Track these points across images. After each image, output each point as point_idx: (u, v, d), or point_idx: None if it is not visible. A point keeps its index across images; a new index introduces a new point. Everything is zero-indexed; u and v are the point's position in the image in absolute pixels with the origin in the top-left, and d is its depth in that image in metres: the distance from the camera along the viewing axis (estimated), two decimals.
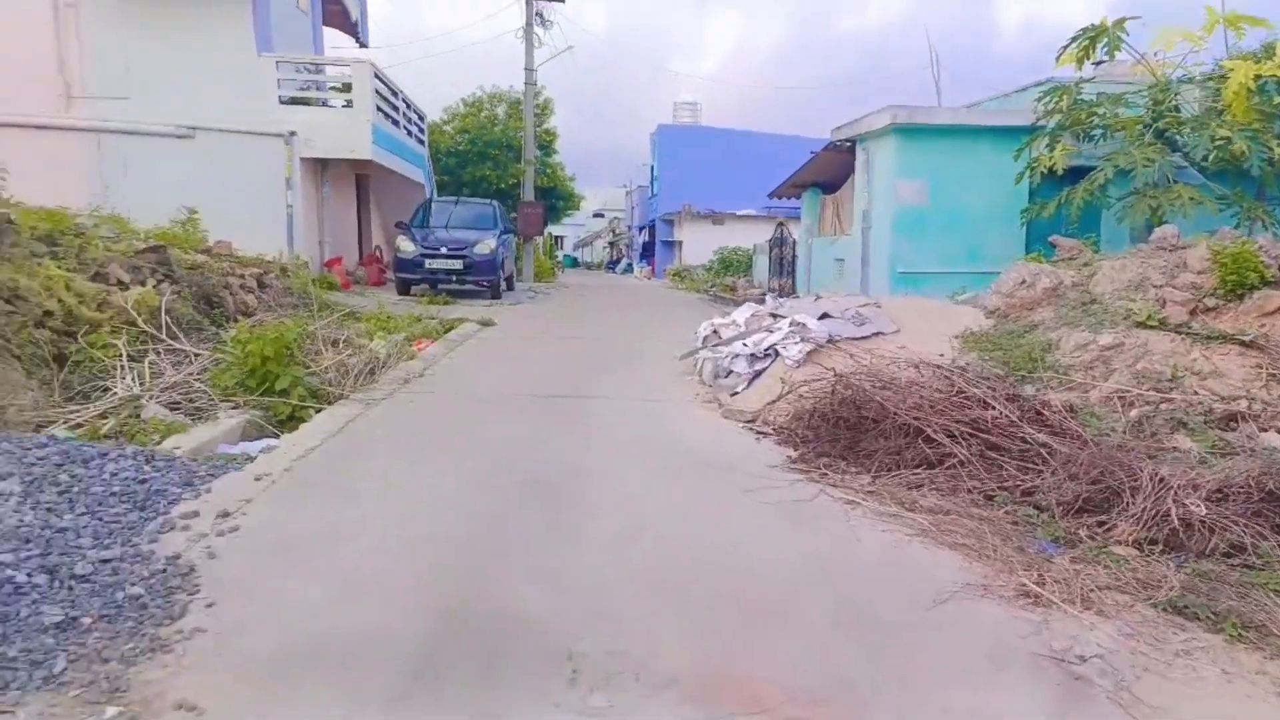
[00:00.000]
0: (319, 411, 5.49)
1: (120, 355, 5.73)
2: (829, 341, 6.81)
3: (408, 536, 3.41)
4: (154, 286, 7.34)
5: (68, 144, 12.06)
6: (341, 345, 7.56)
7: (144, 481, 3.65)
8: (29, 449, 3.69)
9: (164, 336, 6.40)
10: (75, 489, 3.41)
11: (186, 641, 2.42)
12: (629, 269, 49.51)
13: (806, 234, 16.99)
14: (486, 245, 13.87)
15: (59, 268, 6.41)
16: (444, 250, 13.62)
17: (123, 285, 7.04)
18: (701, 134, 42.67)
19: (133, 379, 5.42)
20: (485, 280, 13.97)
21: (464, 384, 6.90)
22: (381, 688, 2.26)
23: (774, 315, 8.26)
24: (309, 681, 2.29)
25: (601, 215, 69.43)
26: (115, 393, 5.16)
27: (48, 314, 6.00)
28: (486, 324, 10.84)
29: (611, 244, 68.57)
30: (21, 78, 11.76)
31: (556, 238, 53.69)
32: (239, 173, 12.32)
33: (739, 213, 37.86)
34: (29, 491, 3.28)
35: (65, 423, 4.73)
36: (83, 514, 3.19)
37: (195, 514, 3.39)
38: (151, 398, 5.15)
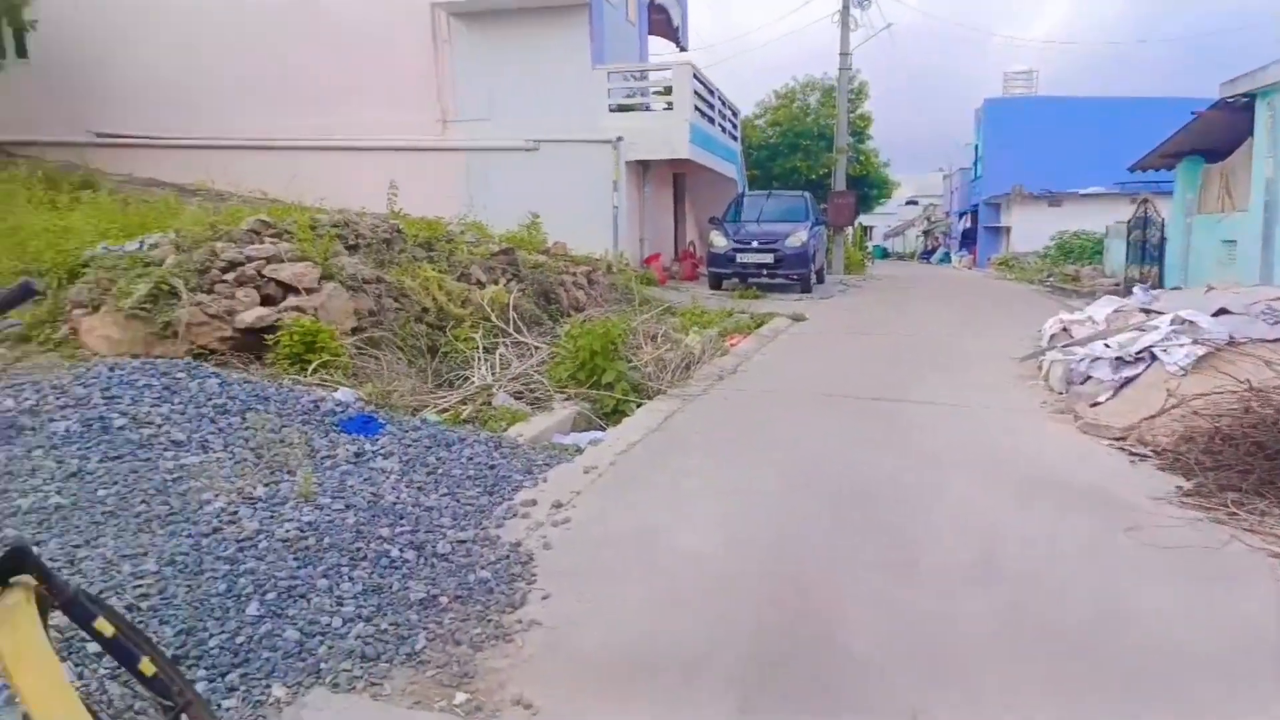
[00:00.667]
0: (639, 406, 5.66)
1: (477, 347, 6.43)
2: (1229, 343, 5.49)
3: (725, 539, 3.29)
4: (504, 285, 8.19)
5: (443, 163, 14.07)
6: (659, 340, 7.81)
7: (493, 467, 3.97)
8: (406, 431, 4.21)
9: (510, 330, 7.09)
10: (440, 470, 3.81)
11: (525, 633, 2.51)
12: (946, 258, 45.90)
13: (1182, 212, 14.22)
14: (797, 238, 13.60)
15: (433, 269, 7.40)
16: (755, 244, 13.61)
17: (480, 284, 7.95)
18: (1036, 105, 37.96)
19: (486, 369, 6.04)
20: (795, 274, 13.72)
21: (777, 382, 6.72)
22: (711, 712, 2.13)
23: (1146, 311, 6.93)
24: (637, 692, 2.23)
25: (915, 202, 65.53)
26: (473, 382, 5.78)
27: (424, 310, 6.94)
28: (798, 319, 10.58)
29: (926, 232, 64.50)
30: (410, 107, 13.95)
31: (865, 228, 51.68)
32: (573, 179, 13.42)
33: (1081, 191, 33.04)
34: (404, 470, 3.71)
35: (434, 408, 5.38)
36: (444, 494, 3.53)
37: (533, 502, 3.59)
38: (500, 387, 5.68)
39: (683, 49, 19.94)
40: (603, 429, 5.28)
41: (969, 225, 43.31)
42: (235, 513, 3.02)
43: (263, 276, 5.88)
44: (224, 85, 14.44)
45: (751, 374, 7.01)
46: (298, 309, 5.73)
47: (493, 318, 7.19)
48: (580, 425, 5.39)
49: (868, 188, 28.03)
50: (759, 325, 9.94)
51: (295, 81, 14.21)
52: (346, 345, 5.91)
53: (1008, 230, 36.27)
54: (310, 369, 5.09)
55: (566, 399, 5.68)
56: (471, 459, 4.02)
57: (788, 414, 5.60)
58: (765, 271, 13.57)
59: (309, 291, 5.94)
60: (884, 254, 59.04)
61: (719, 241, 13.85)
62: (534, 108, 13.58)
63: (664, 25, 19.08)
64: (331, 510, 3.14)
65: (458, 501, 3.49)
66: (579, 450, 4.63)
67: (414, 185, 13.86)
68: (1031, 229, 32.58)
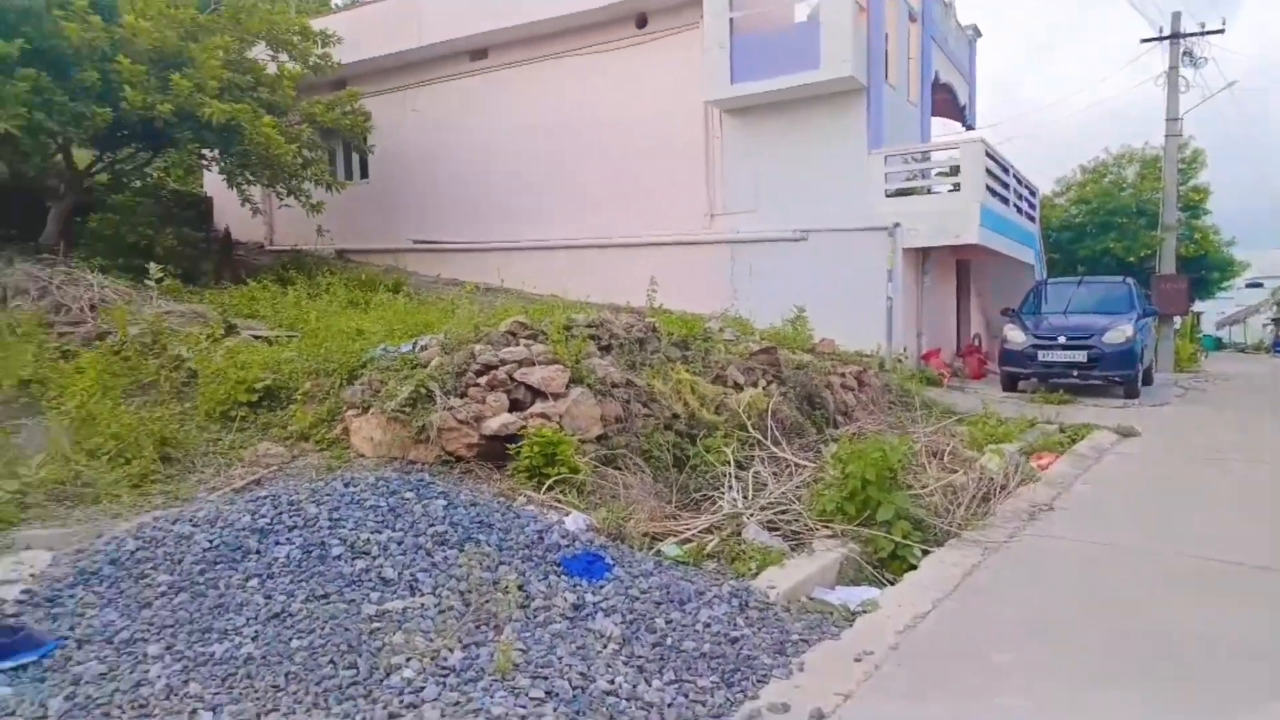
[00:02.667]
0: (925, 554, 4.51)
1: (728, 462, 5.71)
2: None
3: None
4: (763, 388, 7.45)
5: (709, 256, 13.93)
6: (946, 458, 6.53)
7: (735, 640, 3.14)
8: (636, 577, 3.54)
9: (768, 442, 6.28)
10: (669, 640, 3.06)
11: None
12: None
13: None
14: (1120, 332, 11.33)
15: (687, 371, 6.88)
16: (1062, 339, 11.58)
17: (737, 387, 7.29)
18: None
19: (737, 493, 5.26)
20: (1119, 375, 11.39)
21: (1114, 529, 5.14)
22: None
23: None
24: None
25: (1259, 284, 55.26)
26: (721, 507, 5.03)
27: (674, 416, 6.39)
28: (1127, 434, 8.54)
29: (1276, 320, 53.85)
30: (678, 202, 14.09)
31: (1194, 315, 44.03)
32: (843, 269, 12.52)
33: None
34: (626, 638, 3.01)
35: (674, 536, 4.71)
36: (670, 683, 2.76)
37: (785, 708, 2.68)
38: (751, 515, 4.86)
39: (969, 128, 18.40)
40: (877, 584, 4.22)
41: None
42: (421, 689, 2.50)
43: (513, 380, 5.71)
44: (514, 192, 15.72)
45: (1075, 513, 5.48)
46: (543, 415, 5.44)
47: (749, 426, 6.45)
48: (847, 574, 4.38)
49: (1205, 270, 23.60)
50: (1074, 440, 8.14)
51: (574, 185, 15.06)
52: (588, 456, 5.49)
53: None
54: (545, 485, 4.68)
55: (830, 536, 4.70)
56: (709, 625, 3.22)
57: (1143, 586, 4.09)
58: (1076, 372, 11.44)
59: (556, 396, 5.66)
60: (1216, 345, 49.93)
61: (1015, 337, 12.00)
62: (802, 196, 13.01)
63: (949, 105, 17.78)
64: (528, 699, 2.51)
65: (685, 696, 2.70)
66: (847, 616, 3.64)
67: (679, 279, 13.84)
68: None
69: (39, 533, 3.59)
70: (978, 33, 18.44)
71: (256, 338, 7.66)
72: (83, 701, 2.39)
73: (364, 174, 17.79)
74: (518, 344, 6.15)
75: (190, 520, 3.52)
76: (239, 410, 6.03)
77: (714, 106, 13.66)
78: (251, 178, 12.70)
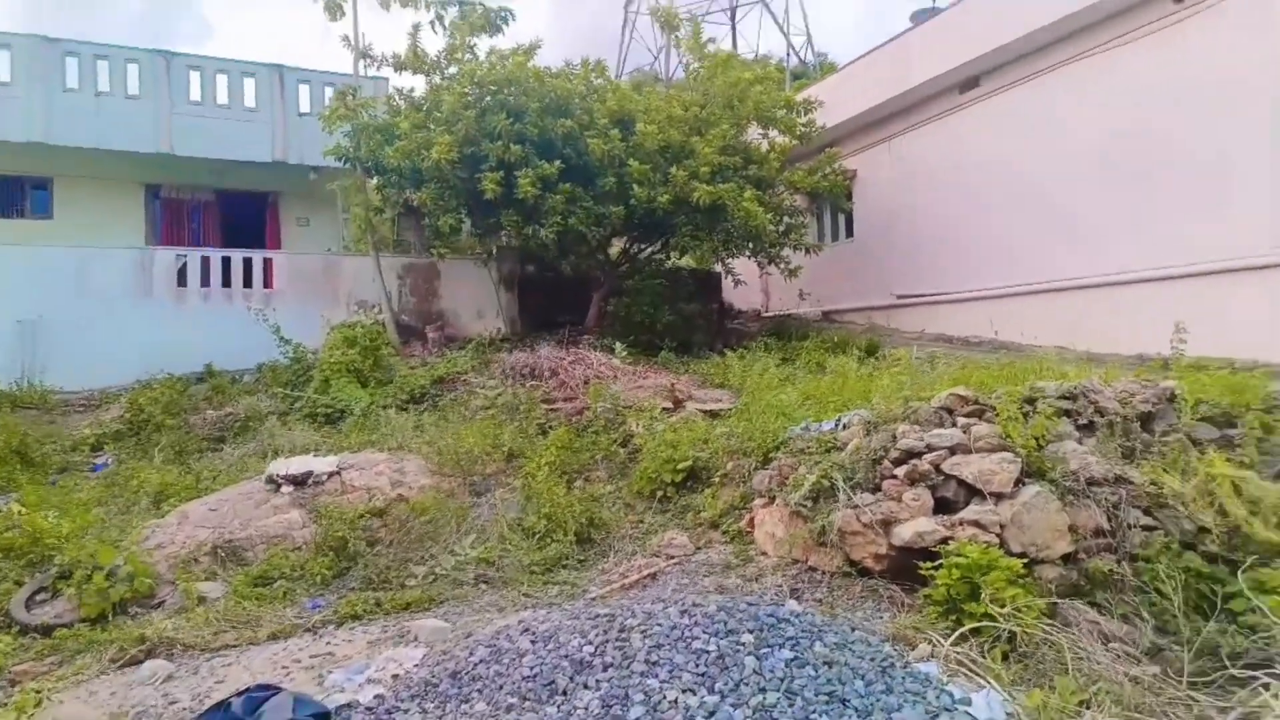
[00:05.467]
0: None
1: None
2: None
3: None
4: None
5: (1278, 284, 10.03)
6: None
7: None
8: None
9: None
10: None
11: None
12: None
13: None
14: None
15: (1228, 461, 4.71)
16: None
17: None
18: None
19: None
20: None
21: None
22: None
23: None
24: None
25: None
26: (1266, 703, 3.10)
27: (1200, 531, 4.38)
28: None
29: None
30: (1240, 215, 10.49)
31: None
32: None
33: None
34: None
35: None
36: None
37: None
38: None
39: None
40: None
41: None
42: None
43: (940, 473, 4.53)
44: (1007, 231, 13.71)
45: None
46: (976, 524, 4.16)
47: None
48: None
49: None
50: None
51: (1080, 213, 12.45)
52: (1049, 585, 4.00)
53: None
54: (954, 635, 3.44)
55: None
56: None
57: None
58: None
59: (999, 497, 4.30)
60: None
61: None
62: None
63: None
64: None
65: None
66: None
67: (1240, 319, 10.22)
68: None
69: (430, 622, 3.87)
70: None
71: (704, 411, 7.76)
72: None
73: (849, 233, 17.58)
74: (954, 422, 4.92)
75: (533, 634, 3.37)
76: (667, 490, 6.03)
77: None
78: (734, 250, 13.48)
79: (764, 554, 4.91)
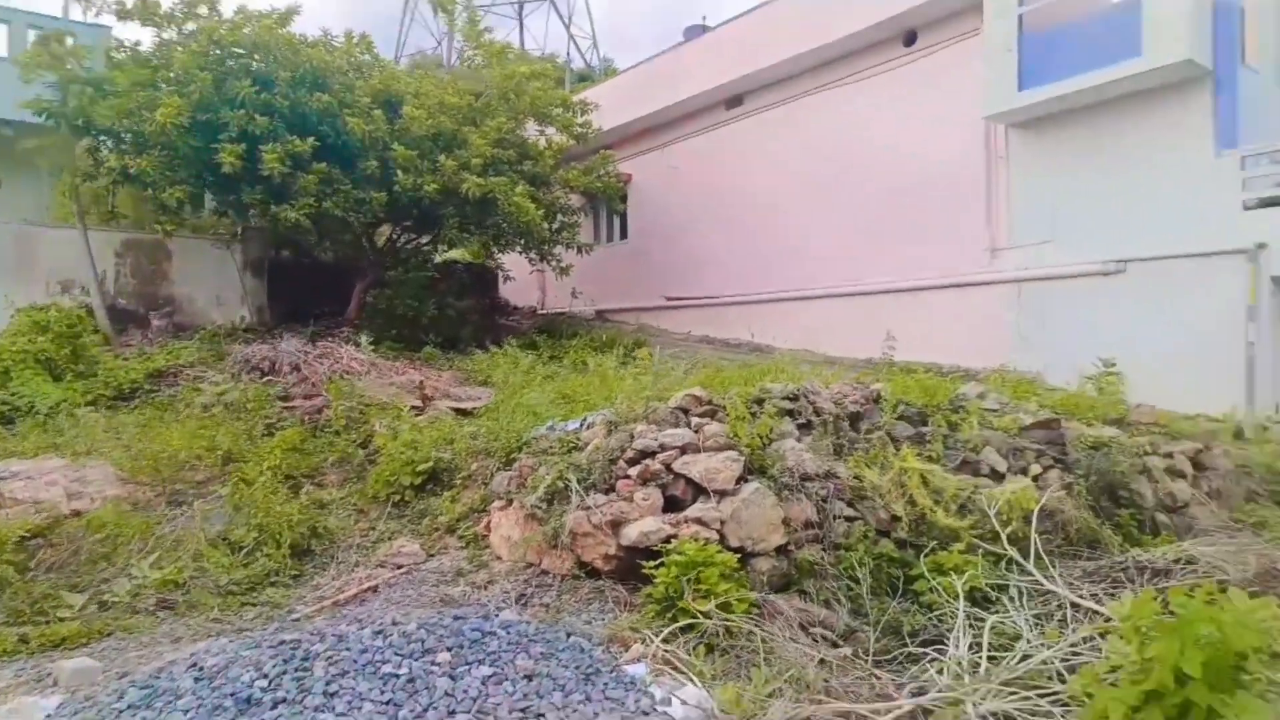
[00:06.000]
0: None
1: (958, 597, 4.02)
2: None
3: None
4: (1036, 477, 5.49)
5: (988, 299, 11.62)
6: None
7: None
8: None
9: (1029, 564, 4.41)
10: None
11: None
12: None
13: None
14: None
15: (918, 456, 5.23)
16: None
17: (997, 476, 5.44)
18: None
19: (964, 650, 3.59)
20: None
21: None
22: None
23: None
24: None
25: None
26: (931, 679, 3.41)
27: (893, 520, 4.82)
28: None
29: None
30: (952, 239, 11.99)
31: None
32: (1176, 308, 9.56)
33: None
34: None
35: (869, 705, 3.21)
36: None
37: None
38: (981, 700, 3.19)
39: None
40: None
41: None
42: None
43: (671, 472, 4.61)
44: (766, 241, 14.69)
45: None
46: (698, 521, 4.26)
47: (1002, 537, 4.63)
48: None
49: None
50: None
51: (831, 228, 13.64)
52: (762, 577, 4.18)
53: None
54: (665, 633, 3.47)
55: None
56: None
57: None
58: None
59: (723, 494, 4.44)
60: None
61: None
62: (1117, 220, 10.27)
63: None
64: None
65: None
66: None
67: (954, 328, 11.71)
68: None
69: (76, 663, 3.26)
70: None
71: (456, 410, 7.45)
72: None
73: (623, 235, 17.98)
74: (689, 422, 5.05)
75: (200, 669, 2.93)
76: (405, 494, 5.66)
77: (997, 122, 11.47)
78: (506, 246, 13.23)
79: (499, 559, 4.74)
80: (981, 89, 11.10)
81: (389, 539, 5.07)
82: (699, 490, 4.52)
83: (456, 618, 3.30)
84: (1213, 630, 2.69)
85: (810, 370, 7.68)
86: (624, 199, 16.79)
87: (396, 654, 2.93)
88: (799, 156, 14.04)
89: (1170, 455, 6.35)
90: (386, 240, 14.28)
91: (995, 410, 6.22)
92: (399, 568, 4.65)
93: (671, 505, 4.54)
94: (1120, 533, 5.29)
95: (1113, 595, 4.06)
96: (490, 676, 2.83)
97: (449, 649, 2.97)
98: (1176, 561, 4.29)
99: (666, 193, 16.57)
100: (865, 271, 13.01)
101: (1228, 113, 9.75)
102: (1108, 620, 3.64)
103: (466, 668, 2.87)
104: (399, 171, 11.58)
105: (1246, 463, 7.04)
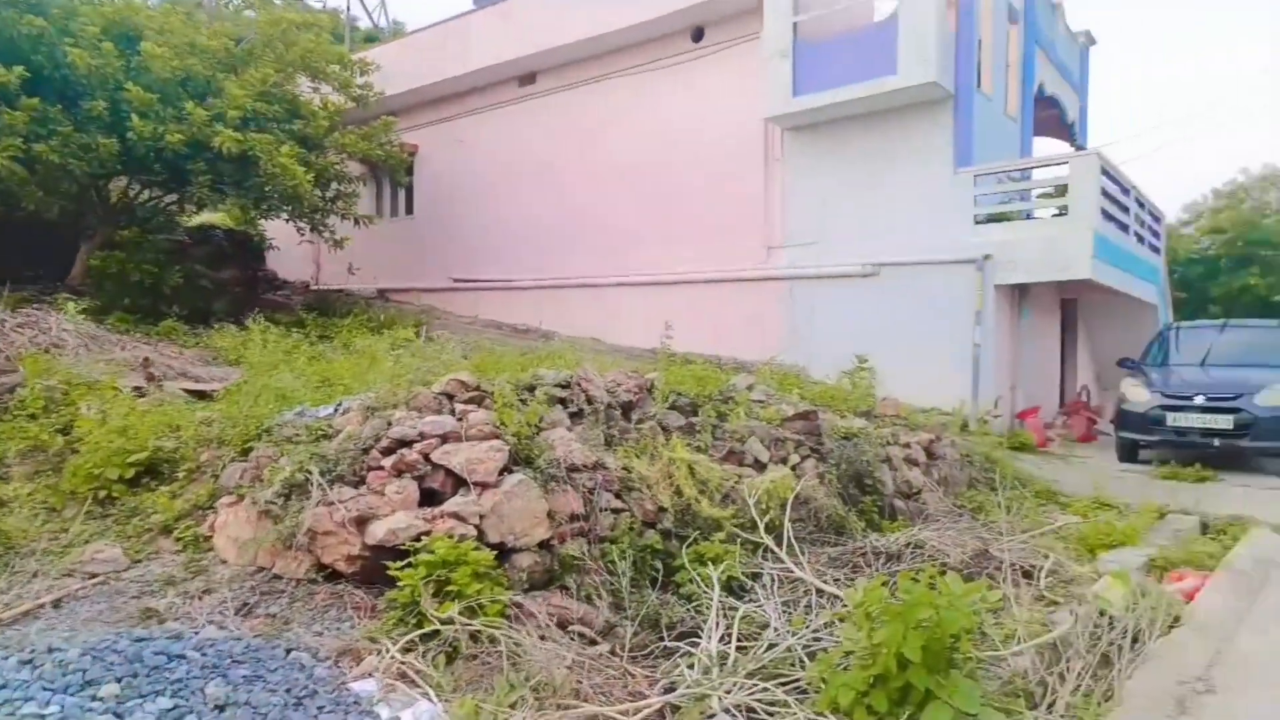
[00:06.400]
0: None
1: (714, 587, 4.05)
2: None
3: None
4: (795, 466, 5.76)
5: (766, 295, 12.29)
6: (1042, 581, 4.66)
7: None
8: None
9: (782, 551, 4.58)
10: None
11: None
12: None
13: None
14: (1279, 393, 8.97)
15: (687, 446, 5.28)
16: (1199, 399, 9.28)
17: (759, 466, 5.63)
18: None
19: (714, 641, 3.61)
20: (1277, 447, 8.98)
21: None
22: None
23: None
24: None
25: None
26: (683, 674, 3.38)
27: (660, 510, 4.80)
28: None
29: None
30: (735, 234, 12.52)
31: None
32: (921, 310, 10.64)
33: None
34: None
35: (618, 705, 3.10)
36: None
37: None
38: (727, 693, 3.19)
39: (1079, 149, 16.11)
40: None
41: None
42: None
43: (429, 462, 4.26)
44: (559, 225, 14.52)
45: (1251, 698, 3.54)
46: (455, 516, 3.96)
47: (760, 525, 4.77)
48: None
49: None
50: (1224, 545, 6.04)
51: (622, 217, 13.73)
52: (522, 574, 3.97)
53: None
54: (403, 641, 3.15)
55: None
56: None
57: None
58: (1218, 442, 9.12)
59: (485, 486, 4.17)
60: None
61: (1138, 395, 9.75)
62: (875, 225, 11.22)
63: (1055, 122, 15.60)
64: None
65: None
66: None
67: (732, 323, 12.22)
68: None
69: None
70: (1091, 40, 16.23)
71: (193, 392, 6.53)
72: None
73: (409, 209, 17.03)
74: (453, 410, 4.72)
75: None
76: (113, 489, 4.82)
77: (774, 124, 12.10)
78: (269, 212, 11.98)
79: (223, 563, 4.13)
80: (762, 90, 11.64)
81: (85, 542, 4.27)
82: (461, 483, 4.22)
83: (139, 639, 2.75)
84: (931, 614, 2.85)
85: (592, 358, 7.59)
86: (409, 171, 15.90)
87: (46, 689, 2.35)
88: (593, 143, 13.99)
89: (908, 445, 6.96)
90: (121, 196, 12.40)
91: (762, 401, 6.47)
92: (92, 577, 3.90)
93: (431, 499, 4.20)
94: (864, 518, 5.68)
95: (853, 580, 4.30)
96: (170, 710, 2.36)
97: (119, 679, 2.45)
98: (907, 546, 4.65)
99: (457, 168, 15.87)
100: (655, 262, 13.25)
101: (964, 134, 10.94)
102: (846, 606, 3.82)
103: (139, 701, 2.38)
104: (134, 116, 10.06)
105: (969, 452, 7.92)
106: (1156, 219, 14.37)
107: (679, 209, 13.09)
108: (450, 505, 4.01)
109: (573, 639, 3.70)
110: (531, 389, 5.08)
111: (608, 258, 13.75)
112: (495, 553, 3.87)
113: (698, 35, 12.99)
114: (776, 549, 4.56)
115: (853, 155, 11.56)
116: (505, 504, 4.09)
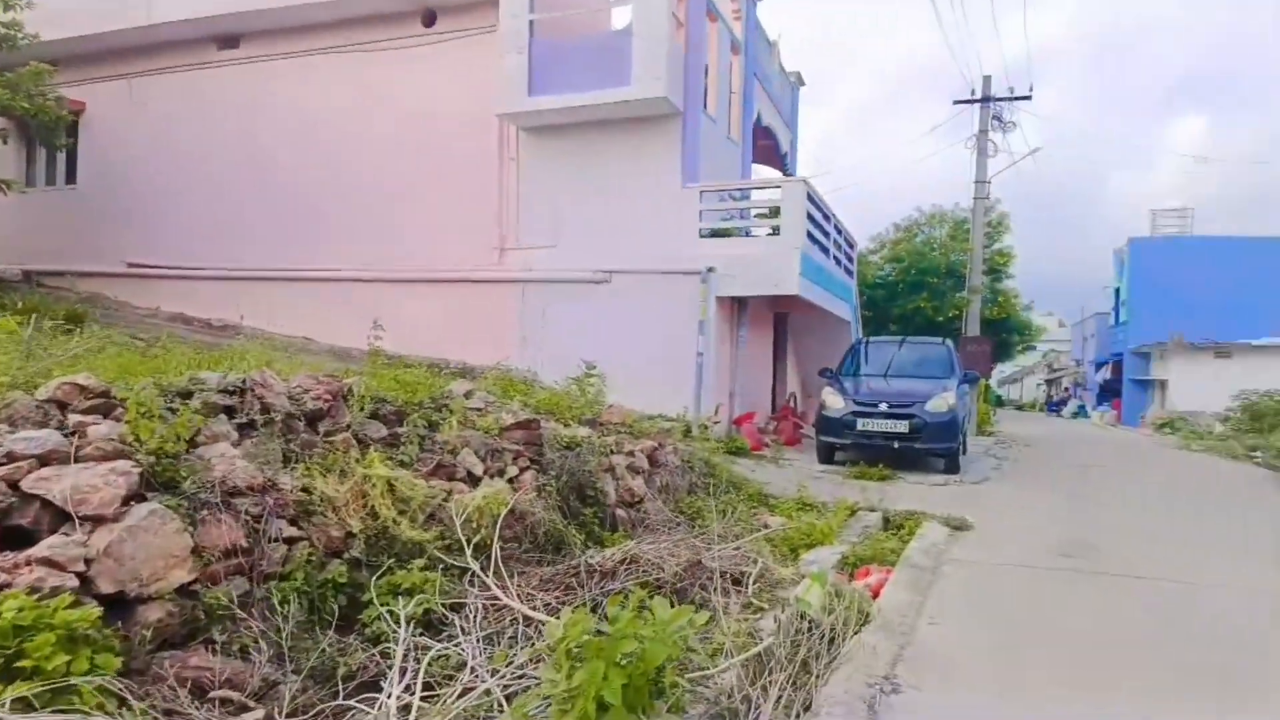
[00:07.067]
0: None
1: (400, 624, 3.49)
2: None
3: None
4: (512, 479, 5.34)
5: (497, 296, 11.84)
6: (751, 588, 4.69)
7: None
8: None
9: (489, 578, 4.12)
10: None
11: None
12: (1081, 412, 40.46)
13: None
14: (943, 400, 10.34)
15: (388, 460, 4.63)
16: (883, 406, 10.42)
17: (473, 480, 5.13)
18: (1192, 247, 33.70)
19: (398, 689, 3.05)
20: (941, 448, 10.34)
21: (987, 711, 3.43)
22: None
23: None
24: None
25: (1032, 347, 61.61)
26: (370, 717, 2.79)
27: (349, 536, 4.12)
28: (959, 527, 7.21)
29: (1049, 381, 59.35)
30: (466, 232, 11.95)
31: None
32: (650, 318, 10.83)
33: (1255, 342, 28.71)
34: None
35: None
36: None
37: None
38: None
39: (789, 178, 17.68)
40: None
41: (1109, 376, 38.46)
42: None
43: (18, 492, 3.22)
44: (266, 210, 12.89)
45: (932, 690, 3.72)
46: (48, 562, 2.99)
47: (466, 549, 4.28)
48: None
49: (1006, 333, 24.44)
50: (902, 539, 6.65)
51: (343, 207, 12.51)
52: (144, 632, 3.11)
53: (1162, 384, 31.60)
54: None
55: None
56: None
57: None
58: (896, 443, 10.27)
59: (97, 521, 3.23)
60: (998, 401, 53.94)
61: (834, 402, 10.72)
62: (607, 232, 11.27)
63: (770, 151, 16.96)
64: None
65: None
66: None
67: (462, 324, 11.58)
68: (1194, 384, 28.55)
69: None
70: (801, 80, 17.88)
71: None
72: None
73: (70, 179, 14.21)
74: (65, 421, 3.66)
75: None
76: None
77: (509, 122, 11.71)
78: None
79: None
80: (497, 86, 11.21)
81: None
82: (68, 518, 3.23)
83: None
84: (636, 647, 2.55)
85: (288, 360, 6.62)
86: (71, 133, 13.23)
87: None
88: (309, 119, 12.61)
89: (632, 454, 6.86)
90: None
91: (480, 409, 5.98)
92: None
93: (23, 540, 3.17)
94: (584, 531, 5.41)
95: (566, 602, 3.96)
96: None
97: None
98: (623, 562, 4.42)
99: (134, 135, 13.50)
100: (378, 257, 12.22)
101: (691, 151, 11.36)
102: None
103: None
104: None
105: (690, 458, 8.06)
106: (851, 245, 16.12)
107: (407, 202, 12.21)
108: (41, 549, 3.03)
109: (213, 708, 2.94)
110: (188, 395, 4.14)
111: (325, 250, 12.46)
112: (108, 606, 2.98)
113: (430, 20, 12.25)
114: (483, 574, 4.09)
115: (588, 161, 11.52)
116: (128, 542, 3.19)
